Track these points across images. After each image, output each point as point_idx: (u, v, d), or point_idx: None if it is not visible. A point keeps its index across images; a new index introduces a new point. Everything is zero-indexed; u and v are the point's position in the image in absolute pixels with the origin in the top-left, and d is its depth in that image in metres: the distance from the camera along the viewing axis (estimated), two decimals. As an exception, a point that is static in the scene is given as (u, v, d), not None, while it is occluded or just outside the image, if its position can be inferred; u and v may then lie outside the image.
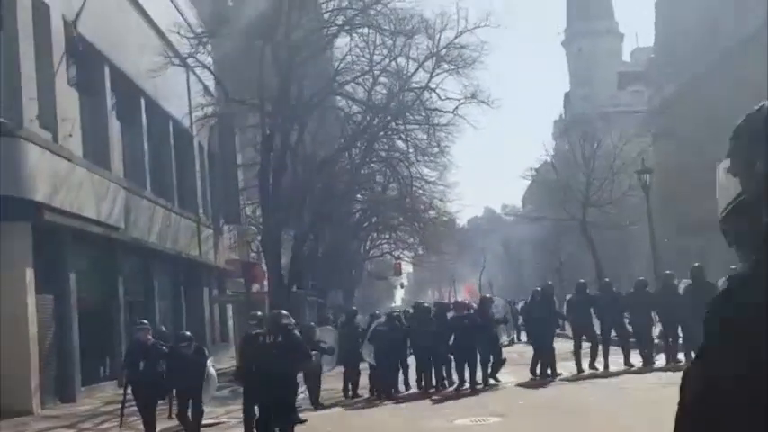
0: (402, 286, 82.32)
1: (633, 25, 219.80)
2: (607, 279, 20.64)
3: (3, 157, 17.14)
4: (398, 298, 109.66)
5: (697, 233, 42.69)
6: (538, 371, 17.92)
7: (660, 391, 14.64)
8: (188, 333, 13.76)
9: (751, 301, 1.53)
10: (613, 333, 18.68)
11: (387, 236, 47.82)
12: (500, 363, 17.73)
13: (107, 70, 24.26)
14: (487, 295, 23.20)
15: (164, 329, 19.13)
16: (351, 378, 18.24)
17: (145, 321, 14.82)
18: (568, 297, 20.17)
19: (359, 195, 38.65)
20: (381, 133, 33.20)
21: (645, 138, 51.34)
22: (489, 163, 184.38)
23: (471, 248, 70.95)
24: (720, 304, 1.62)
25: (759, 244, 1.63)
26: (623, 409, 12.61)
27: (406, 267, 65.97)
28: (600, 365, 18.16)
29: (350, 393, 17.97)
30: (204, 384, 12.55)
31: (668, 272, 19.57)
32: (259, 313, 14.20)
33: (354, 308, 22.81)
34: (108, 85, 24.46)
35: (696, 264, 18.68)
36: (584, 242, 38.15)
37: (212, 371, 12.93)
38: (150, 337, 13.24)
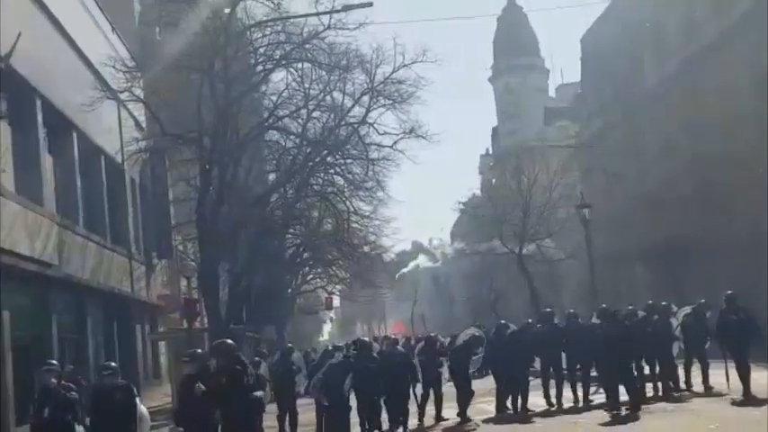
0: (331, 321, 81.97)
1: (559, 61, 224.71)
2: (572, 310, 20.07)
3: (-65, 192, 16.62)
4: (326, 332, 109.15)
5: (620, 265, 43.70)
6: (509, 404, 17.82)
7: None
8: (112, 363, 12.19)
9: None
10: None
11: (320, 270, 47.69)
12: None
13: (39, 104, 23.75)
14: (432, 334, 22.64)
15: (71, 367, 17.59)
16: (288, 419, 17.76)
17: (53, 362, 13.08)
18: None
19: (293, 230, 38.48)
20: (317, 168, 33.20)
21: (573, 173, 52.47)
22: (416, 193, 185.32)
23: (402, 283, 71.09)
24: None
25: None
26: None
27: (335, 302, 65.80)
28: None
29: None
30: (137, 428, 11.08)
31: (664, 303, 19.27)
32: (198, 351, 12.29)
33: (290, 344, 22.02)
34: (40, 119, 23.97)
35: (664, 303, 19.16)
36: (514, 276, 38.65)
37: (144, 410, 11.59)
38: (54, 380, 11.87)
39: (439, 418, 17.75)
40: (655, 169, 42.51)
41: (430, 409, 17.94)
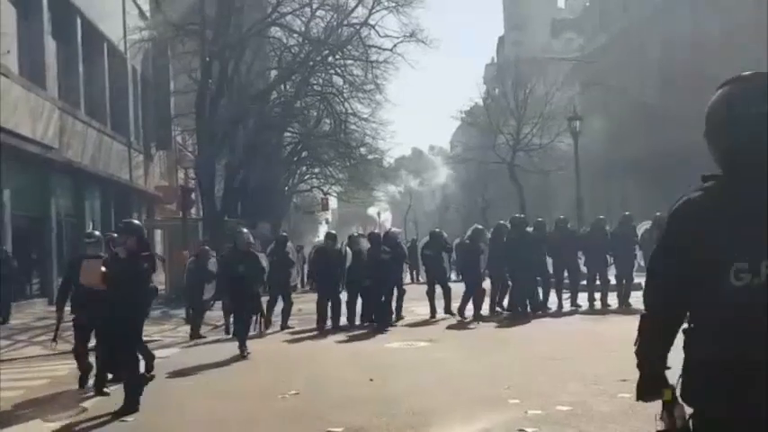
0: (327, 222, 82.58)
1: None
2: (562, 216, 19.65)
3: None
4: (322, 233, 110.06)
5: (618, 178, 44.23)
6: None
7: (585, 324, 15.70)
8: (96, 232, 10.91)
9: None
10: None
11: (316, 170, 48.03)
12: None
13: (44, -13, 23.94)
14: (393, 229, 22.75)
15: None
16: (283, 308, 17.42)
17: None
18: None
19: (291, 128, 38.79)
20: (318, 67, 33.34)
21: (574, 86, 52.51)
22: (422, 102, 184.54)
23: (398, 186, 71.55)
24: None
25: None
26: (546, 339, 13.47)
27: (331, 203, 66.32)
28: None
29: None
30: None
31: (626, 213, 19.46)
32: (96, 232, 10.86)
33: (284, 233, 21.58)
34: (45, 3, 24.14)
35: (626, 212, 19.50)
36: (508, 186, 39.07)
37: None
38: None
39: (449, 310, 17.40)
40: (654, 85, 42.68)
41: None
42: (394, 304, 17.03)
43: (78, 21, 27.11)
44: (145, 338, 15.89)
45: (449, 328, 15.85)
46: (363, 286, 16.55)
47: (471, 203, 54.19)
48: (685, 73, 37.52)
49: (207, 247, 17.97)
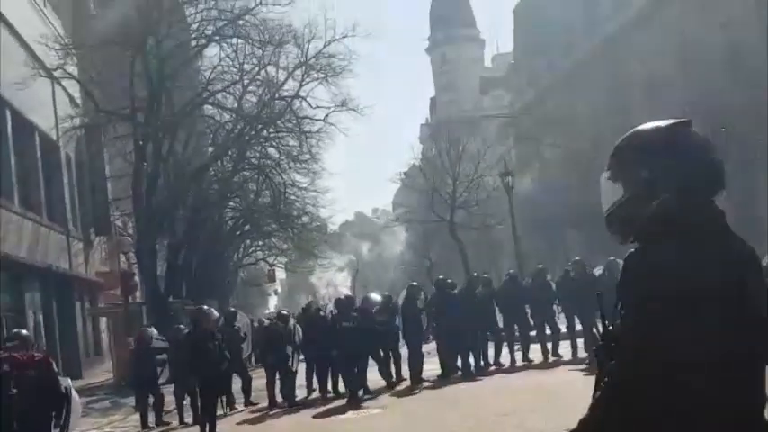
0: (276, 293, 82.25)
1: (494, 31, 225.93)
2: (512, 270, 20.11)
3: None
4: (272, 305, 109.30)
5: (558, 228, 44.91)
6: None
7: (536, 378, 15.77)
8: (23, 332, 9.29)
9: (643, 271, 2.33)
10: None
11: (260, 243, 48.05)
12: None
13: (-30, 83, 23.82)
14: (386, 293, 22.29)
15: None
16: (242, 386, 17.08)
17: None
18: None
19: (231, 203, 38.83)
20: (253, 141, 33.58)
21: (508, 141, 53.57)
22: (361, 168, 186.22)
23: (343, 253, 71.76)
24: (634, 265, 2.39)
25: (641, 233, 2.42)
26: (496, 396, 13.54)
27: (279, 274, 66.23)
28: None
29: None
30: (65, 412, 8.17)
31: (540, 265, 19.98)
32: (23, 332, 9.11)
33: (233, 308, 21.26)
34: (-28, 98, 24.02)
35: (540, 266, 20.02)
36: (452, 243, 39.46)
37: (74, 392, 8.82)
38: None
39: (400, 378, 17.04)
40: (584, 136, 43.72)
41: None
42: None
43: (8, 112, 26.94)
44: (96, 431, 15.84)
45: (402, 393, 15.77)
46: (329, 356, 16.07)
47: (419, 264, 54.48)
48: (612, 123, 38.56)
49: (148, 328, 17.66)
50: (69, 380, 8.80)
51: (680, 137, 2.44)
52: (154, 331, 17.04)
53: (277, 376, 16.26)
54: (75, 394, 8.67)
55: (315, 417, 14.15)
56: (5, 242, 24.87)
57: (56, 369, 8.32)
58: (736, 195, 29.70)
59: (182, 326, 17.59)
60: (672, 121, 2.49)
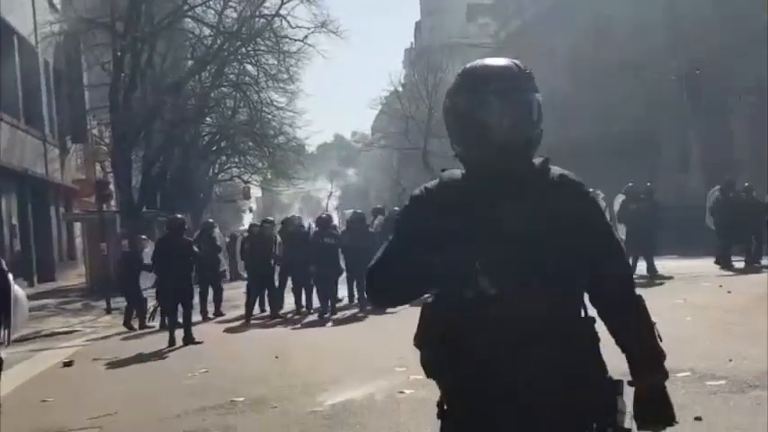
0: (251, 210, 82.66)
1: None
2: None
3: None
4: (246, 222, 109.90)
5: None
6: None
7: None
8: None
9: None
10: None
11: (236, 160, 48.33)
12: None
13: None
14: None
15: None
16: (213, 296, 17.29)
17: None
18: None
19: (208, 119, 39.05)
20: (231, 57, 33.71)
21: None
22: (341, 91, 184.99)
23: (321, 174, 72.31)
24: None
25: None
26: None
27: (255, 192, 66.60)
28: None
29: (209, 314, 16.90)
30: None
31: None
32: None
33: (211, 220, 20.95)
34: (-49, -2, 24.07)
35: None
36: (421, 171, 39.97)
37: (19, 291, 6.81)
38: None
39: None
40: (562, 73, 44.02)
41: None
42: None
43: (-14, 15, 27.00)
44: (67, 329, 16.47)
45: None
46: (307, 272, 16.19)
47: (393, 189, 55.11)
48: (590, 61, 38.88)
49: (143, 236, 17.98)
50: (11, 276, 7.89)
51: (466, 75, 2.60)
52: (146, 242, 17.39)
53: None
54: (18, 290, 6.87)
55: (293, 328, 14.48)
56: (-18, 144, 25.23)
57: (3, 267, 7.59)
58: (712, 137, 30.50)
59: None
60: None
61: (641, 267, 16.36)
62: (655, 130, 32.79)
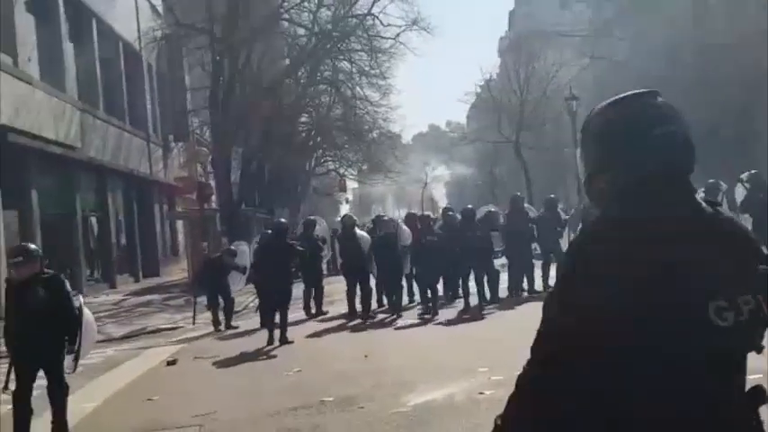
0: (347, 202, 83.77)
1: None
2: (552, 195, 19.30)
3: (-31, 82, 18.30)
4: (343, 213, 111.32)
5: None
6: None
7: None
8: (31, 246, 8.03)
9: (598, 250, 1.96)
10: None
11: (332, 154, 49.21)
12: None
13: (61, -6, 25.15)
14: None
15: None
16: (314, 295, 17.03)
17: None
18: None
19: (304, 115, 39.93)
20: (326, 56, 34.42)
21: (584, 60, 53.05)
22: (434, 85, 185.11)
23: (415, 165, 72.57)
24: (578, 244, 2.07)
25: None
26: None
27: (351, 184, 67.51)
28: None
29: (312, 311, 16.81)
30: (80, 337, 7.46)
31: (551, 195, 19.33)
32: (31, 246, 7.90)
33: (312, 217, 20.52)
34: (62, 8, 25.34)
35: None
36: (513, 163, 39.92)
37: (88, 313, 7.86)
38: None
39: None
40: (660, 59, 43.21)
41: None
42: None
43: (94, 23, 28.30)
44: (170, 325, 17.33)
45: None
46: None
47: (485, 181, 55.09)
48: (690, 46, 38.11)
49: (231, 247, 17.99)
50: (81, 298, 7.87)
51: (634, 110, 2.08)
52: (242, 246, 17.68)
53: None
54: (88, 314, 7.70)
55: (386, 328, 14.47)
56: (91, 147, 26.52)
57: (68, 288, 7.48)
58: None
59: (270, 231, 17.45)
60: (632, 92, 2.14)
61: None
62: (755, 114, 32.01)
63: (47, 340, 7.21)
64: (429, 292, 15.83)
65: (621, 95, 2.15)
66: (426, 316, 15.21)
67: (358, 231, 16.94)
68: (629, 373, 1.87)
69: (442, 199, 77.61)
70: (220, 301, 16.16)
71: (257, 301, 15.66)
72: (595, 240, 2.02)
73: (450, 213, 18.09)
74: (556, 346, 1.95)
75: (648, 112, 2.07)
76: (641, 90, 2.14)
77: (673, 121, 2.06)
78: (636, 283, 1.85)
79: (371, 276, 16.32)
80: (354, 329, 14.46)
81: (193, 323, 16.84)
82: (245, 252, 17.30)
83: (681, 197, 2.03)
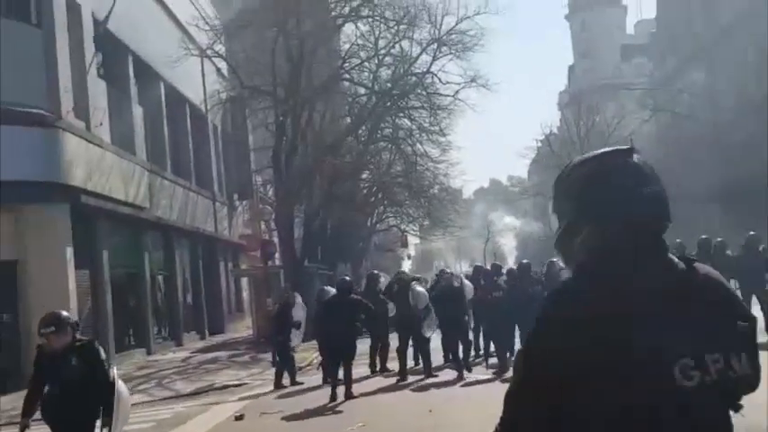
0: (409, 257, 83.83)
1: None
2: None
3: (45, 146, 19.08)
4: (406, 268, 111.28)
5: (694, 203, 44.42)
6: None
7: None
8: (63, 313, 7.48)
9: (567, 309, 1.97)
10: None
11: (393, 210, 49.43)
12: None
13: (131, 60, 26.10)
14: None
15: None
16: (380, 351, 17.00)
17: None
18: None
19: (366, 172, 40.35)
20: (386, 114, 34.90)
21: (645, 112, 52.86)
22: (495, 139, 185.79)
23: (477, 220, 72.46)
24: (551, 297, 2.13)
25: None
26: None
27: (413, 239, 67.65)
28: None
29: (377, 367, 16.76)
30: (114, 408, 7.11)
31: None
32: (63, 313, 7.29)
33: (376, 272, 20.59)
34: (132, 74, 26.30)
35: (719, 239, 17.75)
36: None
37: (121, 385, 7.52)
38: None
39: None
40: (725, 109, 42.82)
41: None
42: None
43: (162, 86, 29.26)
44: (237, 381, 17.57)
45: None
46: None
47: (548, 235, 54.73)
48: (753, 97, 37.75)
49: (294, 293, 18.07)
50: (116, 369, 7.60)
51: (609, 167, 2.07)
52: (297, 298, 17.65)
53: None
54: (122, 385, 7.45)
55: (451, 385, 14.15)
56: (159, 207, 27.24)
57: (103, 356, 7.26)
58: None
59: (328, 287, 18.09)
60: (608, 149, 2.15)
61: None
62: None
63: (82, 410, 7.04)
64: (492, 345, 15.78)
65: (600, 151, 2.16)
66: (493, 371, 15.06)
67: (416, 287, 16.48)
68: (594, 428, 1.88)
69: (511, 252, 77.04)
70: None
71: (320, 357, 15.85)
72: (567, 294, 2.05)
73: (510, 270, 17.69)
74: (516, 406, 2.02)
75: (633, 170, 2.06)
76: (620, 147, 2.13)
77: (656, 180, 2.06)
78: (601, 339, 1.87)
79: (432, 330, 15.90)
80: (420, 384, 14.48)
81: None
82: (299, 305, 17.42)
83: (653, 253, 2.02)
